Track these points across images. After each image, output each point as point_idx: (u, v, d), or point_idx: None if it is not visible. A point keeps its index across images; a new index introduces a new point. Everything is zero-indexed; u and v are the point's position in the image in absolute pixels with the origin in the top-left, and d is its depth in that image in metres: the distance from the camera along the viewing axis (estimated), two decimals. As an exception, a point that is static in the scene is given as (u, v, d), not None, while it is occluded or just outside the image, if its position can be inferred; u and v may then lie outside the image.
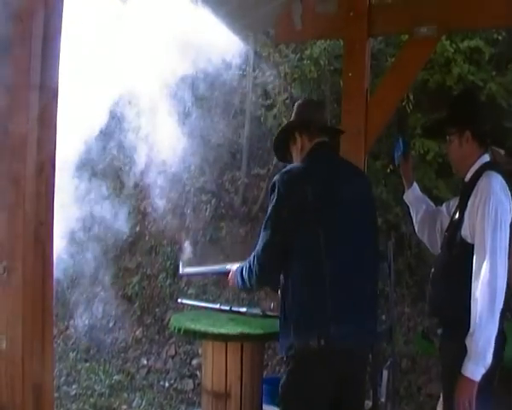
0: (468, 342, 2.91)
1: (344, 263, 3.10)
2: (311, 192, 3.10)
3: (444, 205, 3.70)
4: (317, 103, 3.64)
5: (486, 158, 3.24)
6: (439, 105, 7.15)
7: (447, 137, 3.36)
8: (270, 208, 3.18)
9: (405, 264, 7.17)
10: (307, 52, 8.08)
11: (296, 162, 3.39)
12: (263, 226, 3.21)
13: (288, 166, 3.34)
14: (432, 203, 3.82)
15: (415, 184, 3.84)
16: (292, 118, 3.53)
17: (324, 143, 3.40)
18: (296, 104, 3.55)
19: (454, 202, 3.50)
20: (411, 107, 7.29)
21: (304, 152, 3.36)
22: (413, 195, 3.82)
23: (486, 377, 2.92)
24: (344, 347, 3.06)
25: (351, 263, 3.14)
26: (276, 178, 3.21)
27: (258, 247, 3.19)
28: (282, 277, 3.19)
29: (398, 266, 6.84)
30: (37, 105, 1.99)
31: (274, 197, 3.16)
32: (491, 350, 2.89)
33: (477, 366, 2.88)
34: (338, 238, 3.11)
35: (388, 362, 4.61)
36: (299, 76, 8.19)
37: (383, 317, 6.67)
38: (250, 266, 3.23)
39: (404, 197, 3.89)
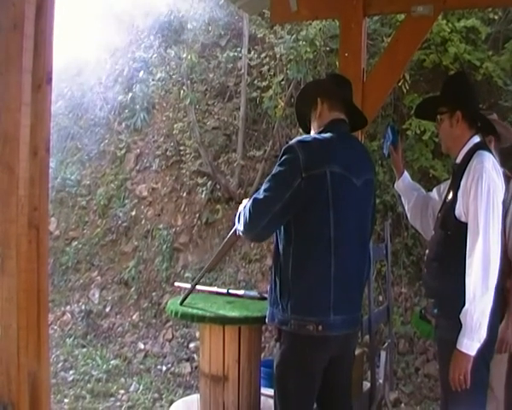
0: (462, 317, 2.93)
1: (347, 252, 3.08)
2: (329, 174, 3.00)
3: (434, 190, 3.73)
4: (346, 80, 3.46)
5: (477, 139, 3.24)
6: (435, 85, 7.14)
7: (438, 117, 3.35)
8: (282, 166, 3.03)
9: (402, 244, 7.18)
10: (303, 33, 8.04)
11: (313, 131, 3.27)
12: (268, 178, 3.06)
13: (309, 137, 3.21)
14: (423, 189, 3.82)
15: (405, 172, 3.84)
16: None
17: (343, 121, 3.27)
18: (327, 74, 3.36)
19: (445, 186, 3.55)
20: (407, 87, 7.26)
21: (322, 122, 3.23)
22: (403, 184, 3.83)
23: (482, 352, 2.94)
24: (338, 334, 3.08)
25: (352, 252, 3.13)
26: (294, 142, 3.07)
27: (259, 194, 3.04)
28: (281, 245, 3.09)
29: (395, 246, 6.85)
30: (30, 89, 1.96)
31: (289, 158, 3.02)
32: (486, 324, 2.91)
33: (472, 340, 2.90)
34: (345, 225, 3.07)
35: (386, 343, 4.62)
36: (294, 57, 8.14)
37: (380, 298, 6.69)
38: (246, 211, 3.07)
39: (395, 187, 3.90)
